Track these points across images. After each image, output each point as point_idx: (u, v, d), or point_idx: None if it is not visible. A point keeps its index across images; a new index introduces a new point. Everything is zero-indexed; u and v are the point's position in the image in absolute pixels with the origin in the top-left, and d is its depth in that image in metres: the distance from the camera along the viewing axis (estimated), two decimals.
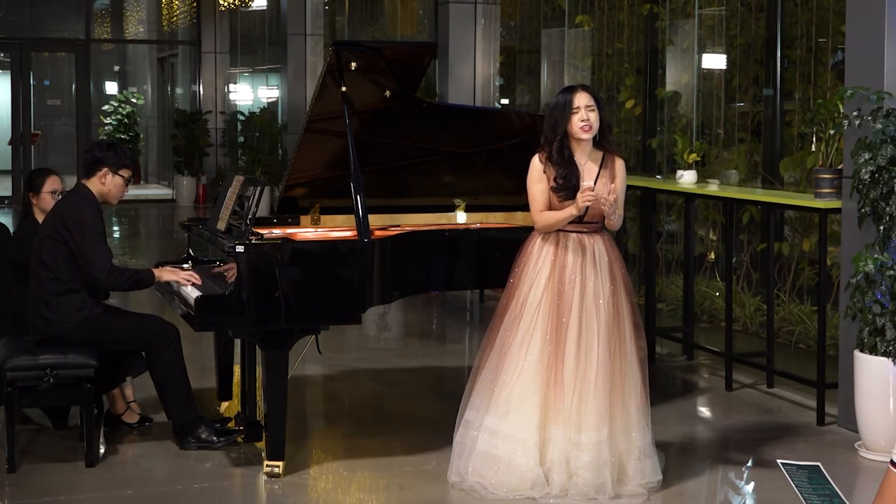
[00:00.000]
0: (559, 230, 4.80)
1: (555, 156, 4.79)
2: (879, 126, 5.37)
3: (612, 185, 4.76)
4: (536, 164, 4.84)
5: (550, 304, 4.74)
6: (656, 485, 4.82)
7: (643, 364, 4.85)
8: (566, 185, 4.76)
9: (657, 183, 7.83)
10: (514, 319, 4.79)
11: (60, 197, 5.65)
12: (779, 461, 3.10)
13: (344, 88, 5.32)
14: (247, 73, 19.83)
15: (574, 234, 4.80)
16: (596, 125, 4.78)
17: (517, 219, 6.02)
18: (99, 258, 5.23)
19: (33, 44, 19.96)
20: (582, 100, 4.77)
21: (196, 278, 5.33)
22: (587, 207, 4.72)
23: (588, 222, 4.81)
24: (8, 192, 18.61)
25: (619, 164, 4.87)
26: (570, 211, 4.71)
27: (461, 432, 4.85)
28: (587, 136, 4.77)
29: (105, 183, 5.39)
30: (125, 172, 5.43)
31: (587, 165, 4.82)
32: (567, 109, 4.77)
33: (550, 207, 4.81)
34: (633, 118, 9.76)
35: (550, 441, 4.69)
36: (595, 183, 4.77)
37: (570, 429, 4.66)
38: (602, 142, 4.85)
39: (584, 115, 4.75)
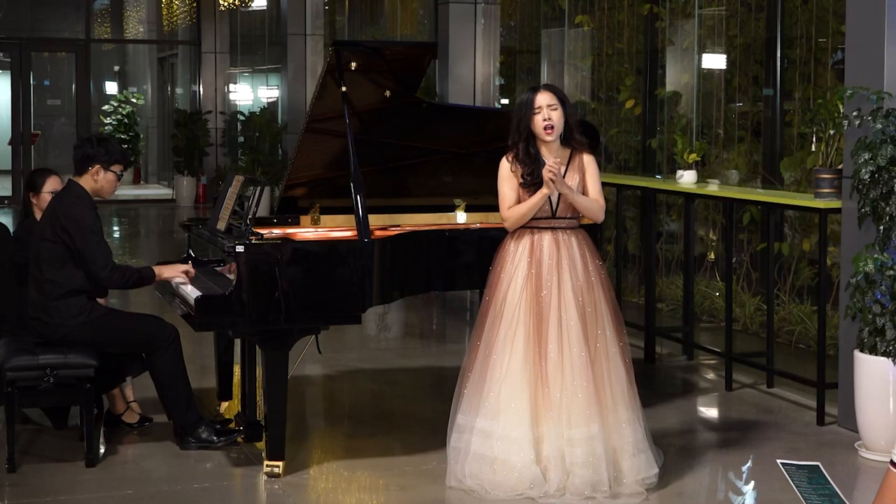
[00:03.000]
0: (533, 227, 4.83)
1: (521, 154, 4.83)
2: (879, 126, 5.37)
3: (552, 166, 4.74)
4: (504, 164, 4.89)
5: (529, 301, 4.75)
6: (653, 478, 4.81)
7: (627, 361, 4.85)
8: (535, 181, 4.79)
9: (657, 183, 7.82)
10: (496, 320, 4.80)
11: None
12: (779, 461, 3.10)
13: (344, 88, 5.31)
14: (247, 73, 19.83)
15: (548, 231, 4.82)
16: (559, 124, 4.80)
17: None
18: (101, 256, 5.22)
19: (33, 44, 19.96)
20: (544, 99, 4.78)
21: (191, 272, 5.33)
22: (559, 196, 4.76)
23: (561, 217, 4.84)
24: (8, 192, 18.62)
25: (588, 158, 4.90)
26: (542, 192, 4.74)
27: (454, 437, 4.85)
28: (551, 137, 4.80)
29: (97, 180, 5.36)
30: (117, 168, 5.41)
31: None
32: (529, 109, 4.79)
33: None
34: (633, 118, 9.76)
35: (544, 437, 4.69)
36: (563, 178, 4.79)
37: (560, 424, 4.66)
38: (569, 140, 4.87)
39: (546, 115, 4.78)
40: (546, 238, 4.82)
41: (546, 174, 4.71)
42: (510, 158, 4.87)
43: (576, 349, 4.70)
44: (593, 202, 4.86)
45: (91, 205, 5.29)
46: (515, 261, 4.82)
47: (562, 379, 4.68)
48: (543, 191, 4.74)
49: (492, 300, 4.84)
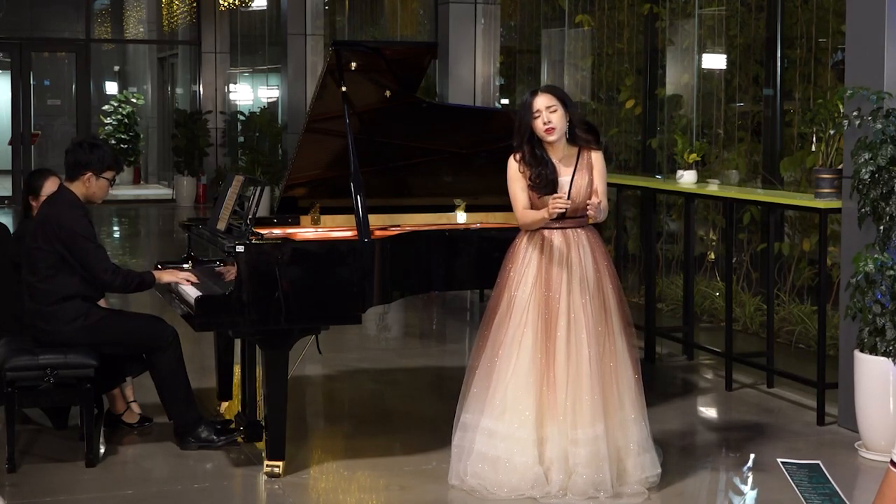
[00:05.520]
0: (543, 228, 4.81)
1: (528, 157, 4.81)
2: (879, 126, 5.37)
3: (592, 201, 4.70)
4: (512, 164, 4.87)
5: (539, 302, 4.75)
6: (656, 478, 4.82)
7: (635, 359, 4.85)
8: (543, 183, 4.77)
9: (657, 183, 7.83)
10: (504, 319, 4.79)
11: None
12: (779, 460, 3.10)
13: (344, 88, 5.31)
14: (247, 73, 19.83)
15: (558, 231, 4.81)
16: (560, 125, 4.77)
17: None
18: (100, 261, 5.23)
19: (33, 44, 19.95)
20: (542, 102, 4.77)
21: (194, 278, 5.34)
22: (568, 199, 4.72)
23: (571, 218, 4.82)
24: (8, 192, 18.62)
25: (596, 156, 4.87)
26: (542, 215, 4.70)
27: (458, 435, 4.85)
28: (552, 137, 4.78)
29: (89, 187, 5.35)
30: (109, 174, 5.40)
31: (562, 164, 4.83)
32: (528, 113, 4.79)
33: (532, 205, 4.82)
34: (633, 118, 9.76)
35: (548, 439, 4.69)
36: (571, 180, 4.78)
37: (565, 425, 4.66)
38: (574, 137, 4.84)
39: (545, 118, 4.76)
40: (556, 238, 4.80)
41: (552, 210, 4.60)
42: (517, 159, 4.85)
43: (584, 348, 4.70)
44: (603, 208, 4.81)
45: (83, 212, 5.28)
46: (526, 260, 4.82)
47: (568, 379, 4.68)
48: (543, 215, 4.69)
49: (501, 299, 4.83)
